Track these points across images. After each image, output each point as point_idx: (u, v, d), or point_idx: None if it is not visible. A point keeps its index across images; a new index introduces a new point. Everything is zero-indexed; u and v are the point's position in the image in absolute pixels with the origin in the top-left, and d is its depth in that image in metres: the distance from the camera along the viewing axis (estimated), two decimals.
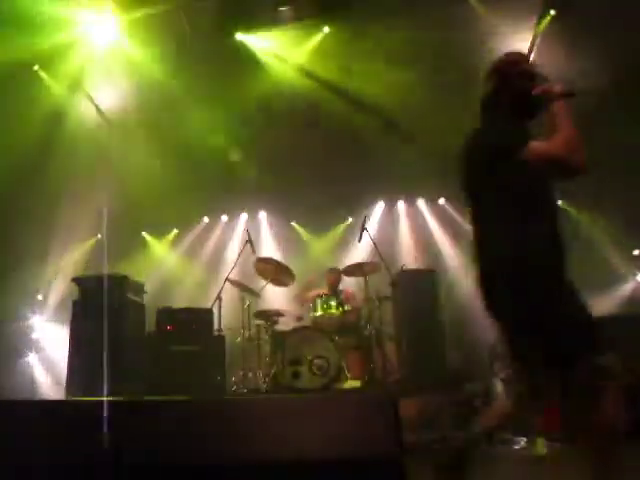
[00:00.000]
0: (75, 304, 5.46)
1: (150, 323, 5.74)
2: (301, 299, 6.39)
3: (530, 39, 6.72)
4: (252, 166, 8.16)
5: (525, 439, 4.07)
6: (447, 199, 9.02)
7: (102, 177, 7.50)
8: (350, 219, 8.88)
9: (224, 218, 9.50)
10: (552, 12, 6.46)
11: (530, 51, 6.60)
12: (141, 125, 7.71)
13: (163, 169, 7.83)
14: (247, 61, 7.21)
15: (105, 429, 2.32)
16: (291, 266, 6.21)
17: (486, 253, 2.16)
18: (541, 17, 6.53)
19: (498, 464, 3.65)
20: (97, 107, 7.77)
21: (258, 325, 6.03)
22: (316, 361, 5.14)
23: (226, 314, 5.93)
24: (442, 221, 8.98)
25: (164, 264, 9.08)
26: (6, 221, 7.25)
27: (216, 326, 5.74)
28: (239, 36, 7.04)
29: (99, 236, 8.73)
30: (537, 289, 2.00)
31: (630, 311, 7.33)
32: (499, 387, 4.92)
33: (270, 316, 6.01)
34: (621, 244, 7.67)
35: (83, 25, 6.69)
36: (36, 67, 7.07)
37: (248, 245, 6.14)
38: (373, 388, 5.29)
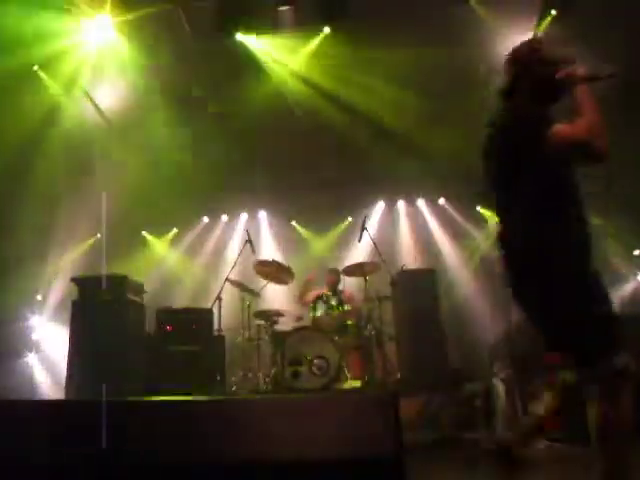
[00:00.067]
0: (74, 304, 5.45)
1: (150, 323, 5.73)
2: (301, 300, 6.39)
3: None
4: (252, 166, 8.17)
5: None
6: (447, 199, 9.02)
7: (102, 177, 7.51)
8: (350, 219, 8.88)
9: (224, 218, 9.49)
10: (553, 12, 6.46)
11: None
12: (141, 125, 7.71)
13: (163, 169, 7.82)
14: (247, 61, 7.21)
15: (105, 429, 2.32)
16: (291, 266, 6.20)
17: (513, 244, 2.15)
18: (542, 17, 6.53)
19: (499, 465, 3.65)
20: (96, 107, 7.77)
21: (258, 325, 6.02)
22: (316, 361, 5.14)
23: (226, 314, 5.92)
24: (442, 221, 8.98)
25: (164, 264, 9.07)
26: (6, 221, 7.24)
27: (216, 326, 5.74)
28: (239, 36, 7.04)
29: (98, 236, 8.73)
30: (562, 283, 1.99)
31: (631, 311, 7.33)
32: (499, 387, 4.92)
33: (270, 316, 6.00)
34: (622, 244, 7.68)
35: (82, 26, 6.71)
36: (35, 67, 7.07)
37: (248, 245, 6.14)
38: (373, 388, 5.29)
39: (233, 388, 5.71)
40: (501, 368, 4.91)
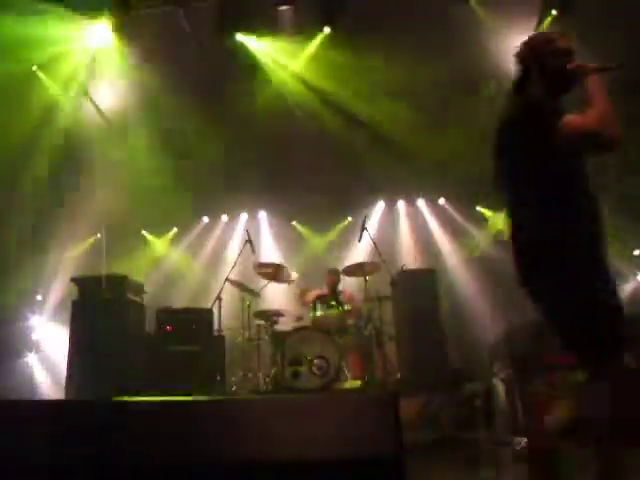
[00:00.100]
0: (74, 304, 5.45)
1: (150, 323, 5.73)
2: (301, 299, 6.39)
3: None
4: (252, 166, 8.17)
5: (525, 439, 4.06)
6: (447, 199, 9.03)
7: (102, 177, 7.51)
8: (350, 219, 8.88)
9: (224, 218, 9.49)
10: (553, 12, 6.46)
11: None
12: (141, 125, 7.71)
13: (163, 168, 7.82)
14: (247, 62, 7.22)
15: (105, 429, 2.32)
16: (291, 266, 6.21)
17: (524, 237, 2.14)
18: (542, 18, 6.53)
19: (499, 464, 3.65)
20: (96, 107, 7.77)
21: (258, 325, 6.03)
22: (316, 361, 5.14)
23: (226, 314, 5.92)
24: (442, 221, 8.99)
25: (164, 264, 9.07)
26: (5, 221, 7.25)
27: (216, 326, 5.74)
28: (239, 37, 7.04)
29: (98, 235, 8.73)
30: (573, 275, 1.99)
31: (630, 311, 7.33)
32: (499, 387, 4.92)
33: (270, 316, 6.01)
34: (622, 244, 7.67)
35: (82, 27, 6.73)
36: (35, 67, 7.08)
37: (248, 245, 6.14)
38: (373, 388, 5.29)
39: (233, 388, 5.71)
40: (501, 368, 4.90)
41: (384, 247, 6.69)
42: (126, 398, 3.38)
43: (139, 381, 5.17)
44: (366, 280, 5.92)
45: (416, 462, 2.33)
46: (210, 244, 9.27)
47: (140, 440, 2.29)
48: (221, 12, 6.68)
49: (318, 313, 5.92)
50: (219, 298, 5.78)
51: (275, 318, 6.01)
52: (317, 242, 9.03)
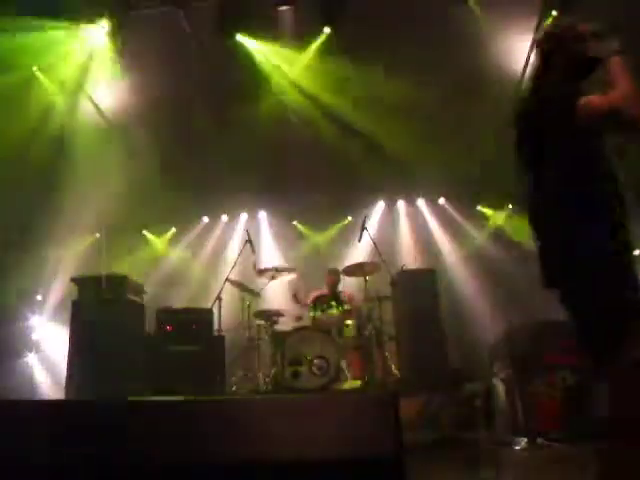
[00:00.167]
0: (74, 304, 5.45)
1: (150, 323, 5.73)
2: (301, 301, 6.40)
3: (531, 40, 6.73)
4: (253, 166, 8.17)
5: (525, 439, 4.07)
6: (447, 199, 9.03)
7: (102, 176, 7.51)
8: (350, 218, 8.88)
9: (224, 218, 9.49)
10: (554, 13, 6.44)
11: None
12: (141, 125, 7.71)
13: (163, 168, 7.82)
14: (247, 63, 7.22)
15: (105, 429, 2.32)
16: (291, 266, 6.21)
17: (544, 220, 2.12)
18: (542, 18, 6.51)
19: (499, 464, 3.66)
20: (96, 107, 7.77)
21: (258, 325, 6.03)
22: (316, 361, 5.14)
23: (226, 314, 5.92)
24: (442, 221, 8.99)
25: (164, 264, 9.07)
26: (5, 221, 7.24)
27: (216, 326, 5.74)
28: (239, 37, 7.04)
29: (98, 235, 8.74)
30: (595, 262, 1.95)
31: None
32: (499, 387, 4.93)
33: (270, 316, 6.01)
34: None
35: (82, 27, 6.74)
36: (35, 68, 7.09)
37: (248, 245, 6.14)
38: (373, 388, 5.29)
39: (233, 388, 5.71)
40: (501, 368, 4.91)
41: (384, 247, 6.69)
42: (126, 398, 3.39)
43: (139, 381, 5.17)
44: (366, 280, 5.93)
45: (416, 462, 2.33)
46: (210, 244, 9.26)
47: (140, 440, 2.29)
48: (221, 12, 6.67)
49: (318, 313, 5.92)
50: (219, 298, 5.78)
51: (275, 318, 6.01)
52: (317, 242, 9.03)
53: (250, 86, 7.39)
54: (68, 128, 7.55)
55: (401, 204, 9.27)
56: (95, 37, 6.90)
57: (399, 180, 8.38)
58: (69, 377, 5.16)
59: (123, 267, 7.53)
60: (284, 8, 6.74)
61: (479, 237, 8.65)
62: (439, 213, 9.07)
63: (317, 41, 7.10)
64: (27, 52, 6.60)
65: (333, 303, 5.99)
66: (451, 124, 7.28)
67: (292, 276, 6.30)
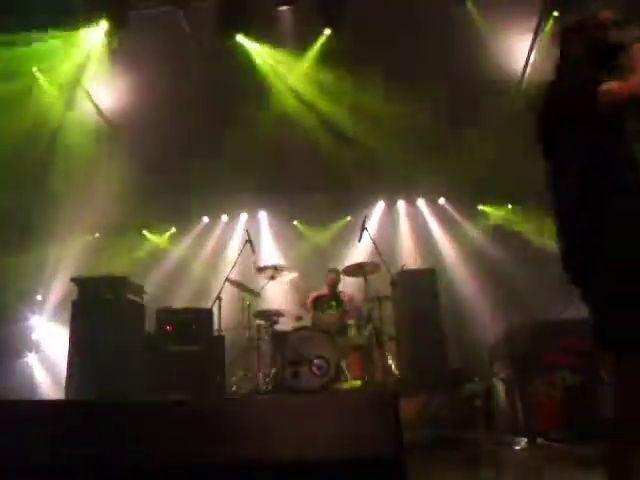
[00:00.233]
0: (74, 304, 5.45)
1: (150, 323, 5.73)
2: (301, 302, 6.40)
3: (530, 40, 6.74)
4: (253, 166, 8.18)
5: (525, 439, 4.07)
6: (447, 199, 9.03)
7: (102, 176, 7.51)
8: (350, 218, 8.88)
9: (224, 218, 9.50)
10: (555, 13, 6.42)
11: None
12: (141, 125, 7.71)
13: (163, 168, 7.82)
14: (247, 64, 7.22)
15: (104, 429, 2.32)
16: (291, 266, 6.21)
17: (566, 208, 2.10)
18: (543, 19, 6.50)
19: (499, 464, 3.65)
20: (97, 107, 7.77)
21: (258, 325, 6.02)
22: (316, 361, 5.14)
23: (226, 314, 5.92)
24: (442, 221, 8.99)
25: (164, 264, 9.07)
26: (5, 221, 7.24)
27: (216, 326, 5.74)
28: (239, 38, 7.04)
29: (97, 235, 8.75)
30: (615, 251, 1.92)
31: None
32: (499, 387, 4.93)
33: (270, 316, 6.01)
34: None
35: (82, 27, 6.74)
36: (34, 69, 7.10)
37: (248, 245, 6.15)
38: (373, 388, 5.29)
39: (233, 388, 5.71)
40: (501, 368, 4.91)
41: (384, 247, 6.69)
42: (126, 398, 3.39)
43: (139, 381, 5.17)
44: (366, 280, 5.92)
45: (416, 462, 2.33)
46: (210, 244, 9.27)
47: (140, 440, 2.29)
48: (221, 12, 6.67)
49: (318, 313, 5.92)
50: (219, 298, 5.78)
51: (275, 318, 6.01)
52: (317, 242, 9.03)
53: (250, 86, 7.38)
54: (68, 128, 7.54)
55: (401, 204, 9.27)
56: (95, 38, 6.90)
57: (399, 180, 8.38)
58: (69, 377, 5.17)
59: (123, 267, 7.55)
60: (284, 8, 6.73)
61: (479, 237, 8.66)
62: (439, 213, 9.08)
63: (318, 43, 7.10)
64: (27, 59, 6.65)
65: (333, 303, 5.99)
66: (451, 125, 7.28)
67: (292, 275, 6.30)
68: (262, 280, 6.28)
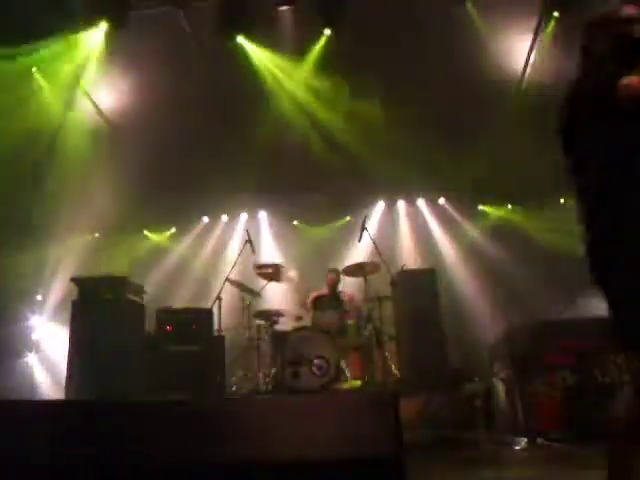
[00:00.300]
0: (74, 304, 5.45)
1: (150, 323, 5.73)
2: (301, 302, 6.40)
3: (530, 40, 6.74)
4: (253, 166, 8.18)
5: (525, 439, 4.07)
6: (447, 199, 9.03)
7: (102, 176, 7.51)
8: (350, 218, 8.88)
9: (224, 218, 9.50)
10: (555, 14, 6.41)
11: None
12: (141, 125, 7.71)
13: (163, 168, 7.82)
14: (247, 64, 7.22)
15: (104, 429, 2.32)
16: (291, 266, 6.21)
17: (586, 204, 2.07)
18: (545, 20, 6.50)
19: (499, 465, 3.66)
20: (97, 107, 7.78)
21: (258, 325, 6.02)
22: (316, 361, 5.14)
23: (226, 314, 5.92)
24: (442, 221, 8.99)
25: (164, 264, 9.08)
26: (5, 221, 7.25)
27: (216, 326, 5.74)
28: (240, 39, 7.04)
29: (97, 235, 8.75)
30: (633, 249, 1.89)
31: None
32: (499, 387, 4.93)
33: (270, 316, 6.00)
34: None
35: (82, 27, 6.75)
36: (34, 69, 7.10)
37: (248, 245, 6.15)
38: (373, 388, 5.29)
39: (233, 388, 5.71)
40: (501, 368, 4.91)
41: (384, 247, 6.69)
42: (126, 398, 3.39)
43: (139, 381, 5.17)
44: (366, 280, 5.92)
45: (416, 462, 2.32)
46: (210, 244, 9.27)
47: (140, 440, 2.29)
48: (221, 12, 6.67)
49: (318, 313, 5.92)
50: (219, 298, 5.78)
51: (275, 318, 6.01)
52: (317, 242, 9.03)
53: (250, 86, 7.39)
54: (68, 128, 7.54)
55: (401, 204, 9.27)
56: (95, 38, 6.90)
57: (399, 180, 8.38)
58: (69, 377, 5.16)
59: (123, 267, 7.55)
60: (284, 8, 6.73)
61: (479, 237, 8.66)
62: (439, 213, 9.08)
63: (318, 44, 7.11)
64: (28, 61, 6.69)
65: (333, 303, 5.99)
66: (451, 125, 7.28)
67: (292, 275, 6.30)
68: (262, 280, 6.28)
